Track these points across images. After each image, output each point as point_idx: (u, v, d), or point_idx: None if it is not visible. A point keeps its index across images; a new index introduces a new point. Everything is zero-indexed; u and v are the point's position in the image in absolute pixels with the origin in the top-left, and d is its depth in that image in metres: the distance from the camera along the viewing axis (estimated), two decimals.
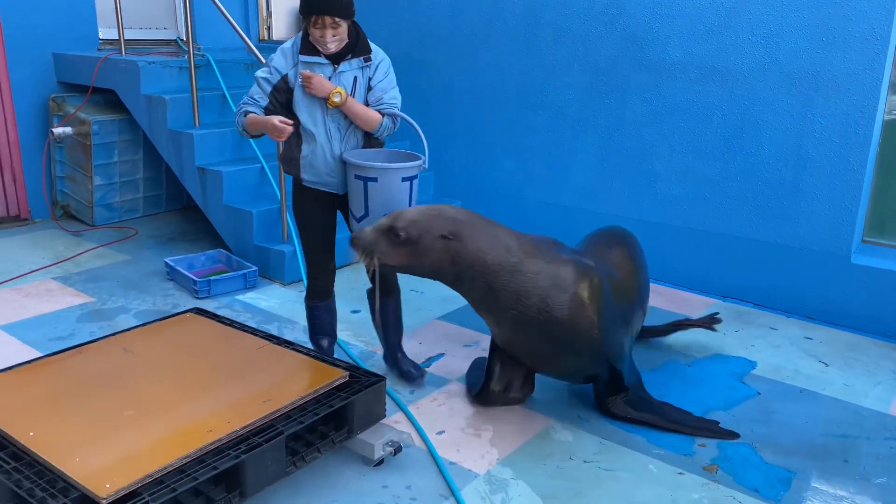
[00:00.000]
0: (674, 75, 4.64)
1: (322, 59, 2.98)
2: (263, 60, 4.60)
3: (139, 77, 5.26)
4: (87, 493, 2.06)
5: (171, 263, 4.63)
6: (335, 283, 3.41)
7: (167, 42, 6.68)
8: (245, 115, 3.02)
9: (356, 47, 3.01)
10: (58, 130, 5.60)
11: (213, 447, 2.31)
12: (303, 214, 3.23)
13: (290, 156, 3.15)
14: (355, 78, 3.02)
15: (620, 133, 4.96)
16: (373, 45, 3.07)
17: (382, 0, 6.00)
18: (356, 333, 3.94)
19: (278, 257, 4.69)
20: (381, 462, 2.72)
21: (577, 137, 5.17)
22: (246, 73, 5.79)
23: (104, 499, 2.03)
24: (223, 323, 3.28)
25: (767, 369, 3.67)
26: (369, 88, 3.05)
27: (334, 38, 2.92)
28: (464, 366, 3.58)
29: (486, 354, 3.72)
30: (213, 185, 4.98)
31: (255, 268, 4.62)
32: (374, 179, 2.91)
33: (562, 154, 5.27)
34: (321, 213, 3.21)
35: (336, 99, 2.93)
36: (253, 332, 3.19)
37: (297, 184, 3.21)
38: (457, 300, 4.40)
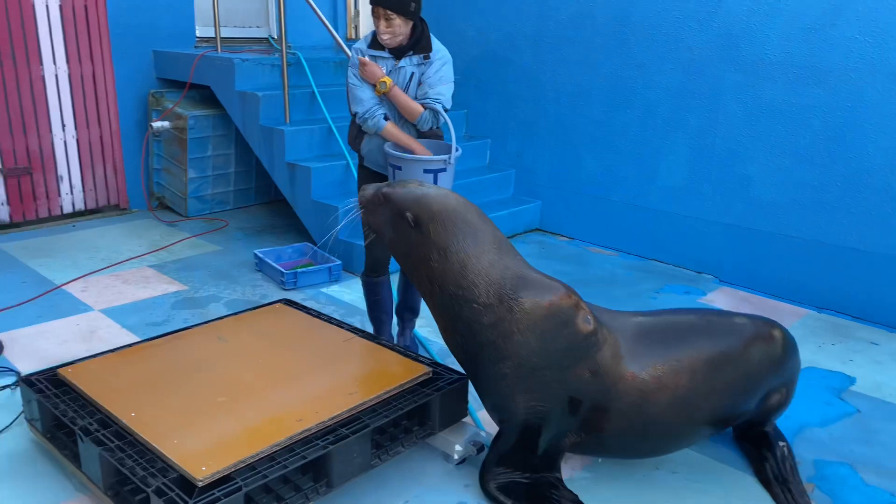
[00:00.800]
0: (771, 75, 4.46)
1: (385, 54, 3.15)
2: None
3: (234, 74, 5.44)
4: (185, 475, 2.14)
5: (260, 255, 4.77)
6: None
7: (259, 40, 6.88)
8: (385, 120, 3.17)
9: (418, 45, 3.15)
10: (156, 124, 5.85)
11: (301, 436, 2.37)
12: None
13: (354, 134, 3.32)
14: (412, 74, 3.17)
15: (713, 134, 4.80)
16: (436, 44, 3.20)
17: None
18: (436, 330, 3.94)
19: (362, 252, 4.73)
20: (463, 461, 2.72)
21: (667, 138, 5.03)
22: (334, 71, 5.91)
23: (200, 481, 2.10)
24: (311, 314, 3.35)
25: (868, 386, 3.48)
26: (420, 84, 3.19)
27: (387, 29, 3.06)
28: None
29: None
30: (302, 181, 5.10)
31: (339, 262, 4.71)
32: (399, 168, 3.10)
33: (650, 154, 5.15)
34: None
35: (381, 87, 3.10)
36: (339, 324, 3.25)
37: (361, 163, 3.40)
38: None
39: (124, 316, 4.04)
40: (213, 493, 2.08)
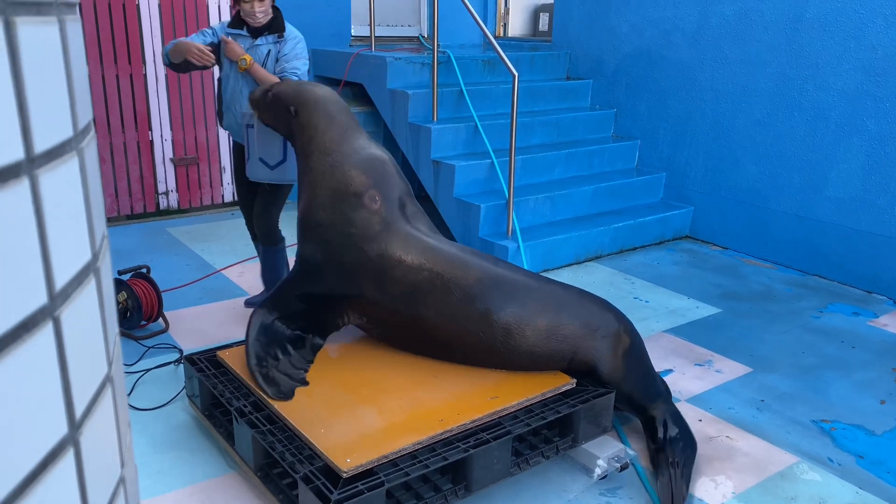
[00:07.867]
0: None
1: (244, 33, 3.59)
2: (507, 60, 4.66)
3: (386, 72, 5.56)
4: (330, 465, 2.18)
5: None
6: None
7: (410, 39, 7.01)
8: (174, 45, 3.50)
9: (272, 25, 3.60)
10: None
11: (443, 437, 2.35)
12: (237, 162, 3.83)
13: (218, 110, 3.79)
14: (269, 51, 3.59)
15: (894, 142, 4.35)
16: (288, 26, 3.66)
17: None
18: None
19: (502, 252, 4.71)
20: (604, 477, 2.61)
21: (839, 144, 4.62)
22: (483, 69, 5.91)
23: (345, 472, 2.14)
24: None
25: None
26: (278, 60, 3.61)
27: (261, 8, 3.50)
28: (694, 385, 3.35)
29: (721, 374, 3.46)
30: (446, 178, 5.13)
31: None
32: (251, 126, 3.44)
33: (818, 161, 4.75)
34: (240, 161, 3.77)
35: (242, 64, 3.51)
36: None
37: (231, 140, 3.88)
38: (686, 313, 4.14)
39: None
40: (357, 486, 2.10)
